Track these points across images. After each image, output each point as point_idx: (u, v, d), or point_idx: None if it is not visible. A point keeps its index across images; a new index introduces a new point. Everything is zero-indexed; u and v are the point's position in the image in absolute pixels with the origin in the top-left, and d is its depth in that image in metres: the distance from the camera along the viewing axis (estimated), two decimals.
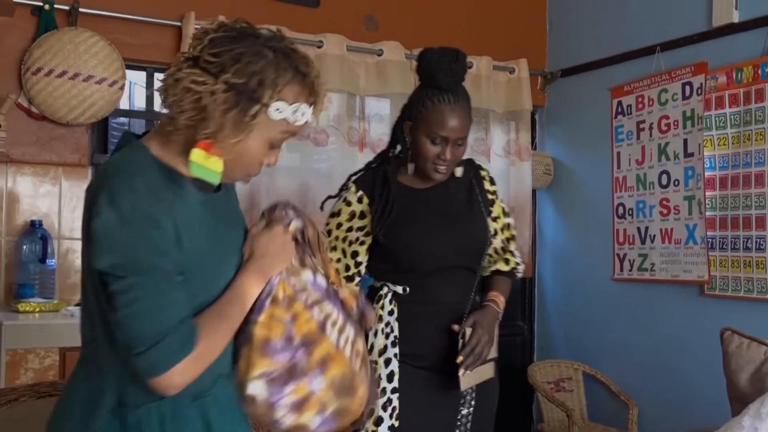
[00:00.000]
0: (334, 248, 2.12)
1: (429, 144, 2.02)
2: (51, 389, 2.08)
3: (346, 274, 2.13)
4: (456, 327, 2.01)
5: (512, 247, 2.21)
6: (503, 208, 2.21)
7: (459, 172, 2.14)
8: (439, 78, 2.00)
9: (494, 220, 2.16)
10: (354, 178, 2.20)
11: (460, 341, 1.99)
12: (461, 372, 1.96)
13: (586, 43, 4.28)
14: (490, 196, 2.17)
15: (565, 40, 4.45)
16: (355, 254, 2.13)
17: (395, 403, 2.02)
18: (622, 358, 4.01)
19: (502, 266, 2.19)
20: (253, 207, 3.64)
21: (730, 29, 3.45)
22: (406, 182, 2.12)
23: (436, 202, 2.10)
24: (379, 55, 3.94)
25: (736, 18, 3.43)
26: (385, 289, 2.09)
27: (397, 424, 2.02)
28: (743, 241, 3.38)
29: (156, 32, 3.51)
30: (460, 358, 1.97)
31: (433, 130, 2.01)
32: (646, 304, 3.89)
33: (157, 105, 3.77)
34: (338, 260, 2.13)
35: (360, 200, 2.13)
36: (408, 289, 2.09)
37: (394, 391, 2.03)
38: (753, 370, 2.25)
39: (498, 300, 2.11)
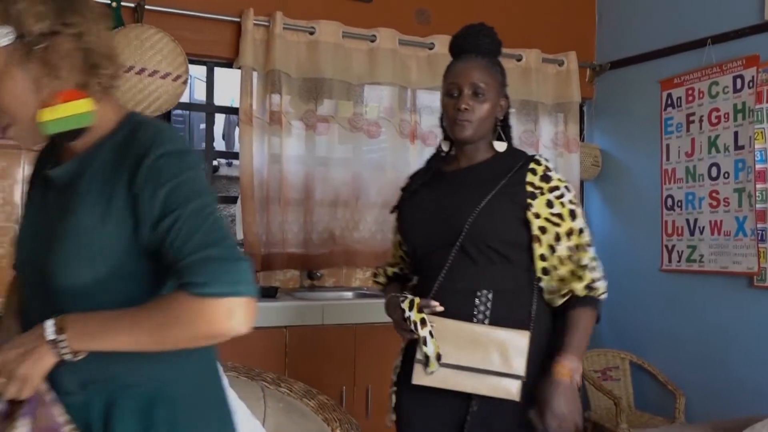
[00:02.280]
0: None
1: (447, 98, 1.99)
2: None
3: (388, 265, 2.23)
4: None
5: (585, 258, 1.93)
6: (572, 211, 1.94)
7: (499, 146, 2.03)
8: (455, 44, 2.05)
9: (536, 216, 1.92)
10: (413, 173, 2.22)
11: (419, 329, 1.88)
12: (417, 367, 1.90)
13: (635, 35, 4.31)
14: (530, 189, 1.93)
15: (614, 32, 4.47)
16: (400, 244, 2.19)
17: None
18: (669, 347, 4.05)
19: (575, 286, 1.91)
20: (308, 196, 3.75)
21: None
22: (447, 167, 2.07)
23: (453, 182, 2.02)
24: (431, 48, 4.02)
25: None
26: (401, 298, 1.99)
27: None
28: None
29: (216, 28, 3.63)
30: (419, 348, 1.88)
31: (447, 81, 2.00)
32: (694, 294, 3.92)
33: (217, 98, 3.90)
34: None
35: None
36: (416, 278, 2.10)
37: (393, 385, 2.09)
38: None
39: (564, 368, 1.84)
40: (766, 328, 3.53)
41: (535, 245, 1.93)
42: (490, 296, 1.91)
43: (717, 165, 3.77)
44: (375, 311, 3.40)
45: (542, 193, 1.93)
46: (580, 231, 1.95)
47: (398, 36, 3.93)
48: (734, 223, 3.67)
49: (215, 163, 5.20)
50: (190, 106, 4.61)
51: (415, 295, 1.96)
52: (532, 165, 1.97)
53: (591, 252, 1.94)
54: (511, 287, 1.93)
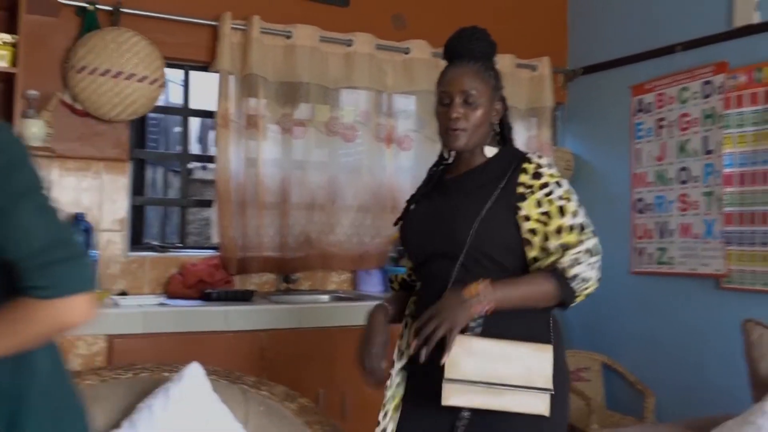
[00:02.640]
0: None
1: (440, 107, 1.97)
2: (112, 374, 2.22)
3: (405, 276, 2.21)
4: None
5: (569, 251, 1.85)
6: (561, 208, 1.89)
7: (489, 151, 2.00)
8: (448, 49, 2.02)
9: (526, 219, 1.88)
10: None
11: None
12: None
13: (607, 41, 4.38)
14: (521, 190, 1.89)
15: (586, 38, 4.55)
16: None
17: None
18: (639, 348, 4.13)
19: (543, 263, 1.89)
20: (284, 200, 3.77)
21: (751, 30, 3.55)
22: (448, 175, 2.06)
23: (449, 189, 2.01)
24: (407, 53, 4.06)
25: (756, 19, 3.53)
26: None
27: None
28: (761, 236, 3.49)
29: (193, 31, 3.63)
30: (445, 367, 1.78)
31: (438, 89, 1.98)
32: (664, 296, 4.00)
33: (193, 102, 3.90)
34: None
35: None
36: (419, 285, 2.08)
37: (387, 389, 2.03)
38: None
39: (475, 288, 1.82)
40: (732, 329, 3.59)
41: (526, 248, 1.90)
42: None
43: (686, 169, 3.86)
44: (351, 314, 3.43)
45: (532, 193, 1.89)
46: (571, 228, 1.87)
47: (375, 41, 3.96)
48: (703, 226, 3.76)
49: (190, 165, 5.20)
50: (166, 110, 4.60)
51: (417, 301, 1.99)
52: (523, 165, 1.93)
53: (582, 246, 1.86)
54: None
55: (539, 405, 1.78)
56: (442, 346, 1.78)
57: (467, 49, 1.97)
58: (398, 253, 3.97)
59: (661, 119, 4.00)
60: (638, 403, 4.00)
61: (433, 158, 2.15)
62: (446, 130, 1.95)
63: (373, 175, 3.98)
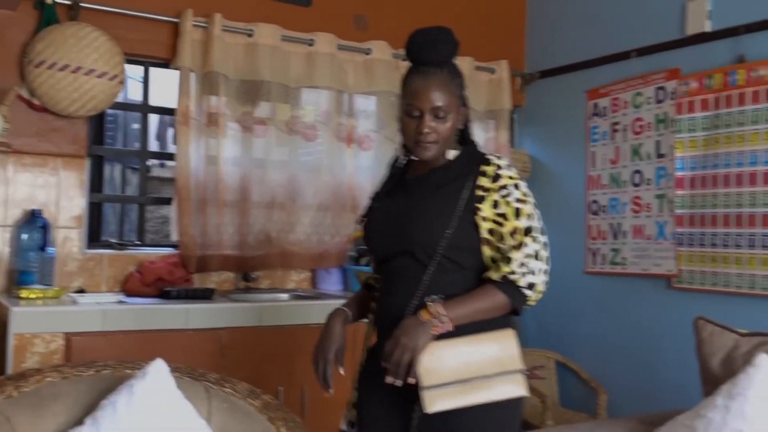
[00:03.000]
0: None
1: (407, 118, 1.97)
2: (74, 371, 2.20)
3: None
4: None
5: (515, 254, 1.89)
6: (517, 210, 1.92)
7: (452, 155, 2.03)
8: (413, 52, 2.00)
9: (484, 220, 1.93)
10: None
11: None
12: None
13: (564, 46, 4.47)
14: (480, 192, 1.93)
15: (544, 43, 4.63)
16: None
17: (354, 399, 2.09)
18: (592, 347, 4.22)
19: (492, 273, 1.92)
20: (245, 198, 3.77)
21: (703, 38, 3.66)
22: (409, 174, 2.09)
23: (411, 189, 2.04)
24: (368, 54, 4.09)
25: (708, 27, 3.64)
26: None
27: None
28: (710, 238, 3.60)
29: (154, 28, 3.61)
30: (419, 377, 1.84)
31: (407, 101, 1.97)
32: (617, 296, 4.10)
33: (153, 99, 3.87)
34: None
35: None
36: (380, 283, 2.11)
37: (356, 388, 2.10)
38: (724, 355, 2.45)
39: (432, 309, 1.87)
40: (683, 328, 3.70)
41: (484, 248, 1.95)
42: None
43: (639, 172, 3.96)
44: (312, 312, 3.45)
45: (491, 194, 1.93)
46: (524, 231, 1.91)
47: (336, 41, 3.98)
48: (655, 228, 3.86)
49: (148, 163, 5.15)
50: (126, 106, 4.56)
51: (380, 298, 2.06)
52: (483, 167, 1.97)
53: (528, 250, 1.89)
54: (463, 293, 1.93)
55: (517, 387, 1.87)
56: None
57: (432, 54, 1.97)
58: (358, 252, 3.99)
59: (616, 123, 4.10)
60: (591, 400, 4.09)
61: None
62: (416, 143, 1.97)
63: (334, 175, 4.00)
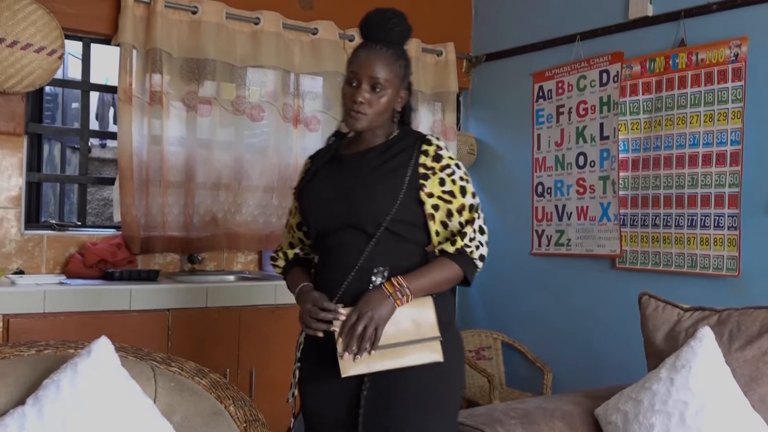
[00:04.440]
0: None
1: (346, 87, 2.02)
2: (14, 351, 2.13)
3: (287, 248, 2.22)
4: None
5: (468, 229, 2.00)
6: (462, 188, 2.03)
7: (390, 135, 2.08)
8: (365, 28, 2.05)
9: (429, 196, 2.00)
10: (313, 153, 2.25)
11: (333, 321, 1.91)
12: (345, 356, 1.88)
13: (510, 29, 4.50)
14: (423, 170, 2.00)
15: (490, 26, 4.65)
16: (299, 225, 2.21)
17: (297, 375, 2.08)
18: (538, 327, 4.28)
19: (447, 246, 2.01)
20: (189, 179, 3.70)
21: (645, 22, 3.73)
22: (345, 150, 2.12)
23: (351, 165, 2.07)
24: (314, 33, 4.04)
25: (650, 12, 3.71)
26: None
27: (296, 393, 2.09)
28: (652, 219, 3.67)
29: (94, 2, 3.51)
30: (338, 341, 1.89)
31: (348, 70, 2.02)
32: (562, 276, 4.16)
33: (94, 76, 3.76)
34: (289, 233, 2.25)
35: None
36: (317, 258, 2.12)
37: (297, 361, 2.09)
38: (668, 329, 2.50)
39: (395, 282, 1.93)
40: (625, 307, 3.77)
41: (430, 223, 2.02)
42: (386, 273, 1.97)
43: (584, 154, 4.01)
44: (259, 294, 3.42)
45: (434, 173, 2.01)
46: (471, 207, 2.03)
47: (282, 20, 3.93)
48: (599, 209, 3.92)
49: (90, 144, 5.01)
50: (65, 83, 4.42)
51: (316, 274, 2.06)
52: (424, 147, 2.03)
53: (476, 225, 2.02)
54: (407, 264, 2.00)
55: (432, 354, 1.93)
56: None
57: (383, 33, 2.02)
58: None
59: (561, 106, 4.15)
60: (537, 379, 4.15)
61: None
62: (348, 111, 2.01)
63: (280, 156, 3.95)
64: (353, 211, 1.99)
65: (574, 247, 4.05)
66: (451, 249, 2.00)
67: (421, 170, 2.01)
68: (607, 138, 3.88)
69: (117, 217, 3.59)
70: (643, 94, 3.71)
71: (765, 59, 3.28)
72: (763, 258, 3.27)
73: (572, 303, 4.08)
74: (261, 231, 3.90)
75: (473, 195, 2.06)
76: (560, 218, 4.14)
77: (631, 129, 3.77)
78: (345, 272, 1.98)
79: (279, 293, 3.43)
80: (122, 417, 1.94)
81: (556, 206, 4.17)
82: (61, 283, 3.11)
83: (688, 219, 3.52)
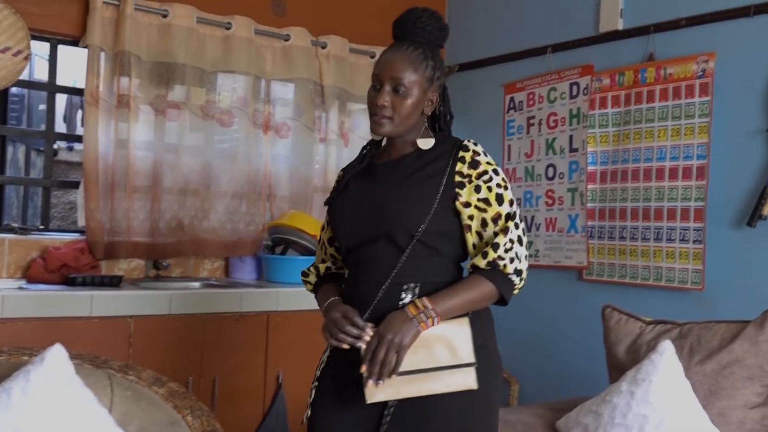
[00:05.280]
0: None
1: (371, 91, 1.91)
2: None
3: (319, 263, 2.12)
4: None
5: (501, 239, 1.83)
6: (499, 195, 1.88)
7: (424, 144, 1.93)
8: (395, 28, 1.96)
9: (466, 205, 1.87)
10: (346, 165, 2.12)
11: (360, 345, 1.79)
12: (369, 383, 1.75)
13: (482, 40, 4.51)
14: (459, 178, 1.87)
15: (462, 36, 4.66)
16: (330, 241, 2.11)
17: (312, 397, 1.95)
18: (504, 338, 4.19)
19: (478, 260, 1.85)
20: (156, 184, 3.66)
21: (615, 36, 3.75)
22: (378, 159, 2.01)
23: (382, 174, 1.95)
24: (287, 40, 4.03)
25: (620, 26, 3.73)
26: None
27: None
28: (619, 231, 3.69)
29: (62, 3, 3.48)
30: (363, 367, 1.76)
31: (373, 73, 1.92)
32: (529, 288, 4.07)
33: (60, 78, 3.71)
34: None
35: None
36: (347, 273, 2.01)
37: (315, 380, 1.97)
38: (630, 342, 2.51)
39: (419, 303, 1.80)
40: (592, 319, 3.78)
41: (467, 235, 1.89)
42: (416, 289, 1.85)
43: (553, 166, 4.03)
44: (224, 301, 3.38)
45: (470, 181, 1.88)
46: (507, 216, 1.87)
47: (254, 25, 3.91)
48: (567, 221, 3.94)
49: (55, 146, 4.95)
50: (31, 85, 4.36)
51: (345, 289, 1.96)
52: (460, 153, 1.89)
53: (512, 235, 1.84)
54: (439, 279, 1.87)
55: (466, 380, 1.78)
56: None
57: (411, 32, 1.92)
58: (273, 241, 3.93)
59: (531, 117, 4.16)
60: (503, 391, 4.14)
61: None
62: (372, 116, 1.90)
63: (250, 162, 3.93)
64: (384, 221, 1.87)
65: (542, 258, 4.06)
66: (482, 263, 1.83)
67: (457, 178, 1.87)
68: (576, 150, 3.90)
69: (81, 222, 3.55)
70: (612, 107, 3.74)
71: (732, 75, 3.31)
72: (727, 272, 3.29)
73: (539, 314, 4.09)
74: (228, 237, 3.87)
75: (511, 203, 1.88)
76: (529, 229, 4.15)
77: (600, 142, 3.79)
78: (375, 288, 1.86)
79: (244, 300, 3.40)
80: (76, 426, 1.91)
81: (525, 217, 4.18)
82: (20, 288, 3.05)
83: (654, 232, 3.54)
